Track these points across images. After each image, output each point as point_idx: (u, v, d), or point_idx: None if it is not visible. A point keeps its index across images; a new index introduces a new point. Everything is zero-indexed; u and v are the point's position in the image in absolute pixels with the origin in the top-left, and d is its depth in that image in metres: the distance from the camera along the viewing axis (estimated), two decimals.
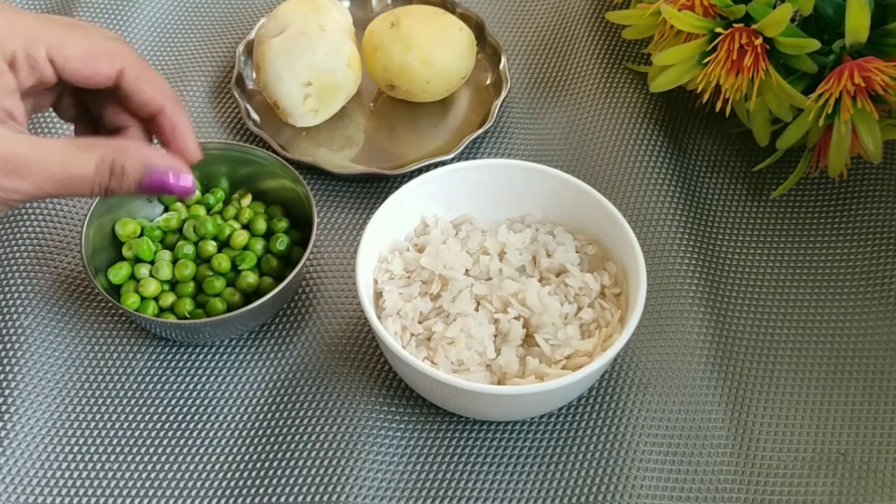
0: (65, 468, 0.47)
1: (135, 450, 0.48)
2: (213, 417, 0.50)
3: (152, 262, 0.52)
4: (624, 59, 0.67)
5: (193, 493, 0.47)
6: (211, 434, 0.49)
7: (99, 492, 0.47)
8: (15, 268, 0.54)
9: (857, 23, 0.50)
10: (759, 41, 0.52)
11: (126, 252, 0.52)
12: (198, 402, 0.50)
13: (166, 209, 0.55)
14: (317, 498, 0.46)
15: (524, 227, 0.53)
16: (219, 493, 0.47)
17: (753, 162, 0.61)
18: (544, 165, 0.52)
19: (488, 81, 0.66)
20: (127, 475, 0.47)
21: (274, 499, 0.47)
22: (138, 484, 0.47)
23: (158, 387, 0.51)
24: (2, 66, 0.39)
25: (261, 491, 0.47)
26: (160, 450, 0.48)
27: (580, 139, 0.63)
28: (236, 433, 0.49)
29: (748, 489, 0.47)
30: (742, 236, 0.58)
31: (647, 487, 0.47)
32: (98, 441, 0.48)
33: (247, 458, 0.48)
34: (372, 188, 0.60)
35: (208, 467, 0.48)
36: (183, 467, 0.48)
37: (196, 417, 0.50)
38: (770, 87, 0.53)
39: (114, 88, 0.43)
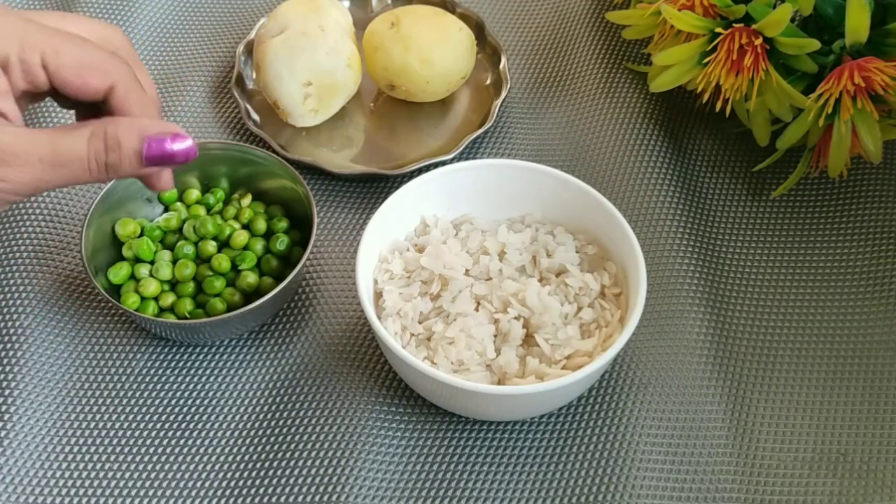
0: (65, 468, 0.47)
1: (135, 450, 0.48)
2: (213, 417, 0.50)
3: (152, 262, 0.52)
4: (624, 59, 0.67)
5: (193, 493, 0.47)
6: (211, 434, 0.49)
7: (99, 492, 0.47)
8: (15, 268, 0.54)
9: (857, 23, 0.50)
10: (759, 41, 0.52)
11: (126, 252, 0.52)
12: (198, 402, 0.50)
13: (166, 209, 0.55)
14: (317, 498, 0.46)
15: (524, 227, 0.53)
16: (219, 493, 0.47)
17: (753, 162, 0.61)
18: (544, 165, 0.52)
19: (488, 81, 0.66)
20: (127, 475, 0.47)
21: (274, 499, 0.47)
22: (138, 484, 0.47)
23: (158, 387, 0.51)
24: None
25: (261, 491, 0.47)
26: (160, 450, 0.48)
27: (580, 139, 0.63)
28: (236, 433, 0.49)
29: (748, 489, 0.47)
30: (742, 236, 0.58)
31: (647, 487, 0.47)
32: (98, 441, 0.48)
33: (247, 458, 0.48)
34: (372, 188, 0.60)
35: (208, 467, 0.48)
36: (183, 467, 0.48)
37: (196, 417, 0.50)
38: (770, 87, 0.53)
39: (101, 101, 0.42)
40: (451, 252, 0.50)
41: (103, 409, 0.50)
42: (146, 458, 0.48)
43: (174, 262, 0.52)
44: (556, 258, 0.51)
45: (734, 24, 0.53)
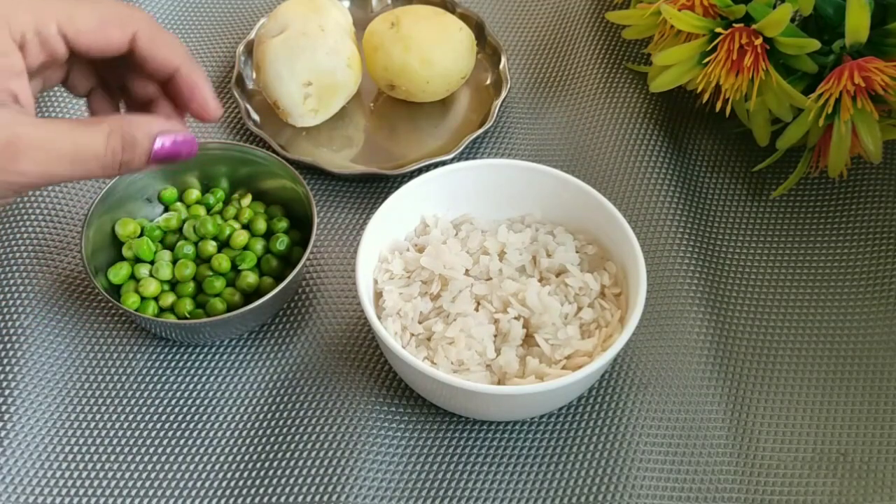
0: (65, 468, 0.47)
1: (135, 450, 0.48)
2: (213, 417, 0.50)
3: (152, 262, 0.52)
4: (624, 59, 0.67)
5: (193, 493, 0.47)
6: (211, 434, 0.49)
7: (99, 492, 0.47)
8: (15, 268, 0.54)
9: (857, 23, 0.50)
10: (759, 41, 0.52)
11: (126, 252, 0.52)
12: (198, 402, 0.50)
13: (166, 209, 0.55)
14: (317, 498, 0.46)
15: (524, 227, 0.53)
16: (219, 493, 0.47)
17: (753, 162, 0.61)
18: (544, 165, 0.52)
19: (488, 81, 0.66)
20: (127, 475, 0.47)
21: (274, 499, 0.47)
22: (138, 484, 0.47)
23: (158, 387, 0.51)
24: (8, 45, 0.38)
25: (261, 491, 0.47)
26: (160, 450, 0.48)
27: (580, 139, 0.63)
28: (236, 433, 0.49)
29: (748, 489, 0.47)
30: (742, 236, 0.58)
31: (647, 487, 0.47)
32: (98, 441, 0.48)
33: (247, 458, 0.48)
34: (372, 188, 0.60)
35: (208, 467, 0.48)
36: (183, 467, 0.48)
37: (196, 417, 0.50)
38: (770, 87, 0.53)
39: (128, 55, 0.42)
40: (451, 252, 0.50)
41: (103, 409, 0.50)
42: (146, 458, 0.48)
43: (174, 262, 0.52)
44: (556, 258, 0.51)
45: (734, 24, 0.53)
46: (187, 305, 0.51)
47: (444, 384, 0.44)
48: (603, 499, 0.47)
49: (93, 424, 0.49)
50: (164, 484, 0.47)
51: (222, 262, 0.51)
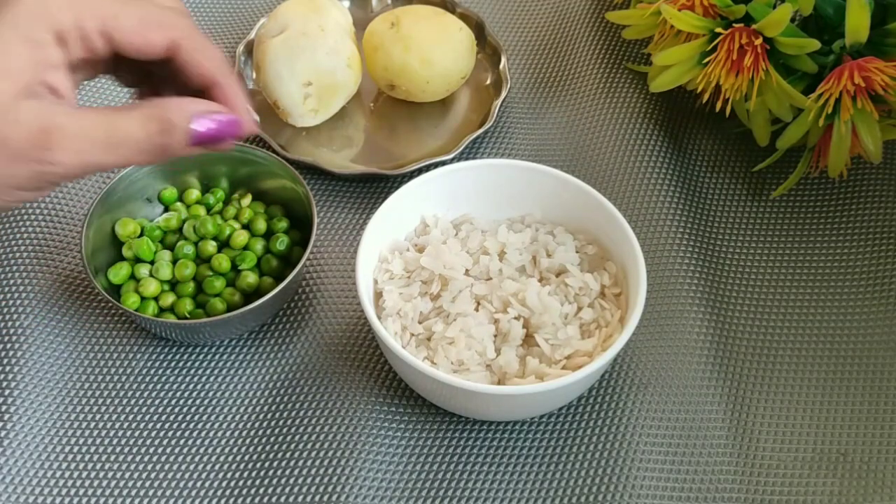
0: (65, 468, 0.47)
1: (135, 450, 0.48)
2: (213, 417, 0.50)
3: (152, 262, 0.52)
4: (624, 59, 0.67)
5: (193, 493, 0.47)
6: (211, 434, 0.49)
7: (99, 492, 0.47)
8: (15, 268, 0.54)
9: (857, 23, 0.50)
10: (759, 41, 0.52)
11: (126, 252, 0.52)
12: (198, 402, 0.50)
13: (166, 209, 0.55)
14: (317, 498, 0.46)
15: (524, 227, 0.53)
16: (219, 493, 0.47)
17: (753, 162, 0.61)
18: (544, 165, 0.52)
19: (488, 81, 0.66)
20: (127, 475, 0.47)
21: (274, 499, 0.47)
22: (138, 484, 0.47)
23: (158, 387, 0.51)
24: (46, 38, 0.37)
25: (261, 491, 0.47)
26: (160, 450, 0.48)
27: (580, 139, 0.63)
28: (236, 433, 0.49)
29: (748, 489, 0.47)
30: (742, 236, 0.58)
31: (647, 487, 0.47)
32: (98, 441, 0.48)
33: (247, 458, 0.48)
34: (372, 188, 0.60)
35: (208, 467, 0.48)
36: (183, 467, 0.48)
37: (196, 417, 0.50)
38: (770, 87, 0.53)
39: (167, 59, 0.41)
40: (451, 252, 0.50)
41: (103, 409, 0.50)
42: (146, 458, 0.48)
43: (174, 262, 0.52)
44: (556, 258, 0.51)
45: (734, 24, 0.53)
46: (187, 305, 0.51)
47: (444, 384, 0.44)
48: (603, 499, 0.47)
49: (93, 424, 0.49)
50: (164, 484, 0.47)
51: (222, 262, 0.51)
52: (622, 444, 0.49)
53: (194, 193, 0.55)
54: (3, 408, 0.48)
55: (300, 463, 0.48)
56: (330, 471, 0.47)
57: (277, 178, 0.55)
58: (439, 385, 0.44)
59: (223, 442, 0.49)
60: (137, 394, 0.50)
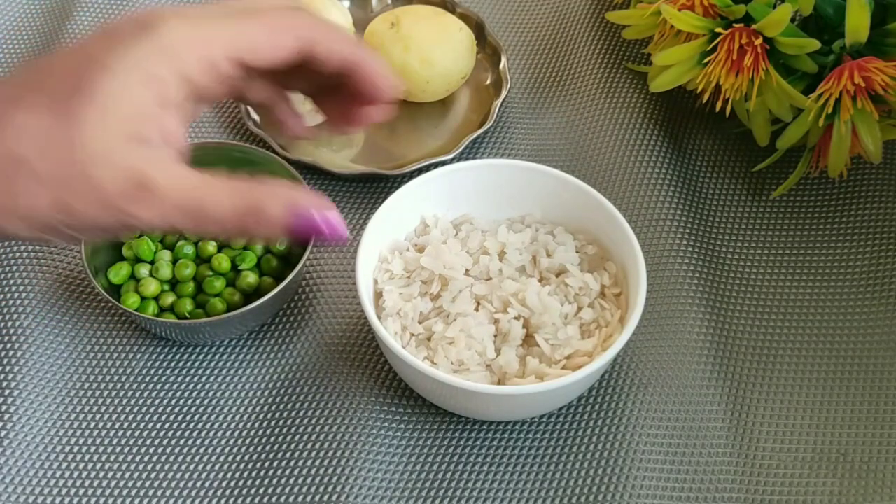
0: (65, 468, 0.47)
1: (135, 450, 0.48)
2: (213, 417, 0.50)
3: (152, 262, 0.52)
4: (624, 59, 0.67)
5: (193, 493, 0.47)
6: (211, 434, 0.49)
7: (99, 492, 0.47)
8: (15, 268, 0.54)
9: (857, 23, 0.50)
10: (759, 41, 0.52)
11: (126, 252, 0.52)
12: (198, 402, 0.50)
13: None
14: (317, 498, 0.46)
15: (524, 227, 0.53)
16: (219, 493, 0.47)
17: (753, 162, 0.61)
18: (544, 165, 0.52)
19: (488, 81, 0.66)
20: (127, 475, 0.47)
21: (274, 499, 0.47)
22: (138, 484, 0.47)
23: (158, 387, 0.51)
24: (170, 78, 0.35)
25: (261, 491, 0.47)
26: (160, 450, 0.48)
27: (580, 139, 0.63)
28: (236, 433, 0.49)
29: (748, 489, 0.47)
30: (742, 236, 0.58)
31: (647, 487, 0.47)
32: (98, 441, 0.48)
33: (247, 458, 0.48)
34: (372, 188, 0.60)
35: (208, 467, 0.48)
36: (183, 467, 0.48)
37: (196, 417, 0.50)
38: (770, 87, 0.53)
39: (302, 60, 0.40)
40: (451, 252, 0.50)
41: (103, 409, 0.50)
42: (146, 458, 0.48)
43: (174, 262, 0.52)
44: (556, 258, 0.51)
45: (734, 24, 0.53)
46: (187, 305, 0.51)
47: (444, 384, 0.44)
48: (603, 499, 0.47)
49: (93, 424, 0.49)
50: (164, 484, 0.47)
51: (222, 262, 0.51)
52: (622, 444, 0.49)
53: None
54: (3, 408, 0.48)
55: (300, 463, 0.48)
56: (330, 471, 0.47)
57: (277, 178, 0.54)
58: (439, 385, 0.44)
59: (223, 442, 0.49)
60: (137, 394, 0.50)
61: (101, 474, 0.47)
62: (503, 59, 0.66)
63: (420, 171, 0.57)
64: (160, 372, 0.51)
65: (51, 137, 0.34)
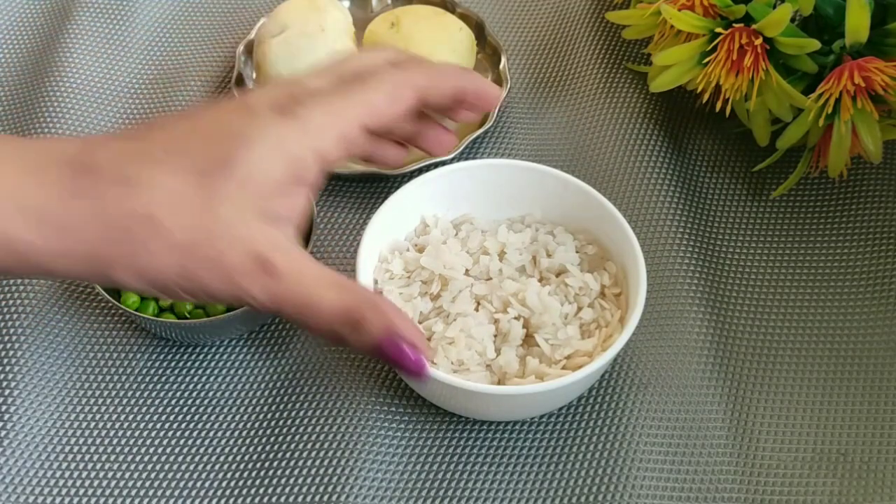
0: (65, 468, 0.47)
1: (135, 450, 0.48)
2: (213, 417, 0.50)
3: None
4: (624, 59, 0.67)
5: (193, 493, 0.47)
6: (211, 434, 0.49)
7: (99, 492, 0.47)
8: None
9: (857, 23, 0.50)
10: (759, 41, 0.52)
11: None
12: (198, 402, 0.50)
13: None
14: (317, 498, 0.46)
15: (524, 227, 0.53)
16: (219, 493, 0.47)
17: (753, 162, 0.61)
18: (544, 165, 0.52)
19: None
20: (127, 475, 0.47)
21: (274, 499, 0.47)
22: (138, 484, 0.47)
23: (158, 387, 0.51)
24: (307, 154, 0.36)
25: (261, 491, 0.47)
26: (160, 450, 0.48)
27: (580, 139, 0.63)
28: (236, 433, 0.49)
29: (748, 489, 0.47)
30: (742, 236, 0.58)
31: (647, 487, 0.47)
32: (98, 441, 0.48)
33: (247, 458, 0.48)
34: (372, 188, 0.60)
35: (208, 467, 0.48)
36: (183, 467, 0.48)
37: (196, 417, 0.50)
38: (770, 87, 0.53)
39: (429, 104, 0.41)
40: (451, 252, 0.50)
41: (103, 409, 0.50)
42: (146, 458, 0.48)
43: None
44: (556, 258, 0.51)
45: (734, 24, 0.53)
46: (187, 305, 0.51)
47: (444, 384, 0.44)
48: (603, 499, 0.47)
49: (93, 424, 0.49)
50: (164, 484, 0.47)
51: None
52: (622, 444, 0.49)
53: None
54: (3, 408, 0.48)
55: (300, 463, 0.48)
56: (330, 471, 0.47)
57: None
58: (439, 385, 0.44)
59: (223, 442, 0.49)
60: (137, 394, 0.50)
61: (101, 474, 0.47)
62: (503, 59, 0.66)
63: (420, 171, 0.57)
64: (160, 372, 0.51)
65: (191, 204, 0.34)
